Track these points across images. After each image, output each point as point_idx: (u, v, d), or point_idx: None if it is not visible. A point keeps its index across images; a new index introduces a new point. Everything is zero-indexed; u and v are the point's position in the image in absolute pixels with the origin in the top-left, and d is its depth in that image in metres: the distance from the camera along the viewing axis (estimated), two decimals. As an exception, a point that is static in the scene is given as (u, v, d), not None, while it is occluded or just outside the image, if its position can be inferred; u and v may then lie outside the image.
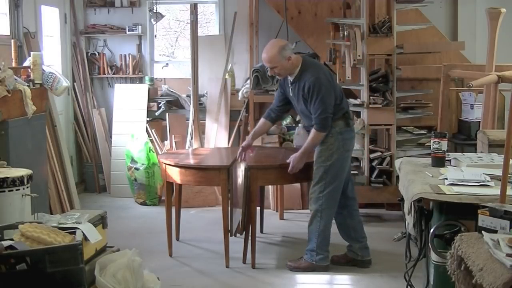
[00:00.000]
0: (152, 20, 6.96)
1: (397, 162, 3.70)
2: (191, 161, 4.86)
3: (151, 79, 6.98)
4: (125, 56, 7.10)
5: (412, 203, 2.85)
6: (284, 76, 4.43)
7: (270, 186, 5.96)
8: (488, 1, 6.17)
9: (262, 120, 4.69)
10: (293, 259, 4.51)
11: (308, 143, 4.34)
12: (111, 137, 6.89)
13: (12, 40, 5.33)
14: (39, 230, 3.02)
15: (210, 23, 8.23)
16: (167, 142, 6.69)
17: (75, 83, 6.95)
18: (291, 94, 4.42)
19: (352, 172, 4.91)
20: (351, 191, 4.53)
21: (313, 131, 4.30)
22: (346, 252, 4.56)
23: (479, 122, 5.39)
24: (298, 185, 6.02)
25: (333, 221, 4.50)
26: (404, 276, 3.22)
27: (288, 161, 4.39)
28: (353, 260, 4.51)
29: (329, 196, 4.32)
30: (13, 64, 5.18)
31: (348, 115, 4.36)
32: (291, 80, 4.37)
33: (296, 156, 4.36)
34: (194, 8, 6.18)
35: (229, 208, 4.50)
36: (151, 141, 6.60)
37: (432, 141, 3.39)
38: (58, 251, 2.90)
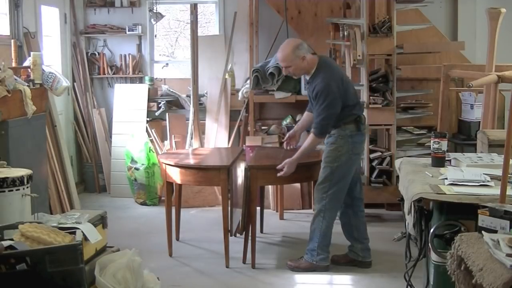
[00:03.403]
0: (152, 20, 6.96)
1: (397, 162, 3.70)
2: (191, 161, 4.86)
3: (151, 79, 6.98)
4: (125, 56, 7.10)
5: (412, 203, 2.85)
6: (300, 76, 4.45)
7: (270, 186, 5.96)
8: (488, 1, 6.17)
9: (306, 112, 4.69)
10: (293, 259, 4.51)
11: (305, 147, 4.35)
12: (111, 137, 6.89)
13: (12, 40, 5.33)
14: (39, 230, 3.02)
15: (210, 23, 8.23)
16: (167, 142, 6.70)
17: (75, 83, 6.95)
18: (307, 93, 4.45)
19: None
20: (358, 192, 4.52)
21: (310, 135, 4.33)
22: (347, 253, 4.56)
23: (479, 122, 5.39)
24: (298, 185, 6.02)
25: (336, 220, 4.50)
26: (404, 276, 3.22)
27: (280, 166, 4.36)
28: (353, 261, 4.51)
29: (333, 197, 4.32)
30: (13, 64, 5.18)
31: (360, 120, 4.34)
32: (307, 80, 4.39)
33: (291, 160, 4.34)
34: (194, 8, 6.18)
35: (229, 208, 4.51)
36: (151, 141, 6.60)
37: (432, 141, 3.39)
38: (58, 251, 2.90)
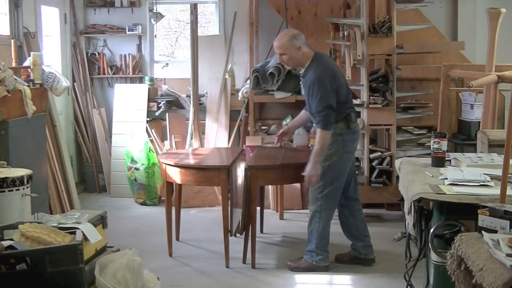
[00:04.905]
0: (152, 20, 6.96)
1: (397, 162, 3.70)
2: (191, 161, 4.85)
3: (151, 79, 6.98)
4: (125, 56, 7.10)
5: (412, 203, 2.85)
6: (294, 67, 4.42)
7: (270, 186, 5.96)
8: (488, 1, 6.17)
9: (303, 111, 4.67)
10: (293, 259, 4.51)
11: (317, 145, 4.20)
12: (111, 137, 6.89)
13: (12, 40, 5.33)
14: (39, 230, 3.02)
15: (210, 23, 8.23)
16: (167, 142, 6.70)
17: (75, 83, 6.95)
18: (302, 87, 4.42)
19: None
20: (353, 191, 4.51)
21: (318, 131, 4.20)
22: (349, 250, 4.57)
23: (479, 122, 5.39)
24: (298, 185, 6.01)
25: (336, 220, 4.50)
26: (404, 276, 3.22)
27: (304, 173, 4.23)
28: (356, 258, 4.52)
29: (328, 197, 4.31)
30: (13, 64, 5.18)
31: (350, 118, 4.31)
32: (301, 74, 4.38)
33: (309, 166, 4.21)
34: (194, 8, 6.18)
35: (229, 208, 4.50)
36: (151, 141, 6.60)
37: (432, 141, 3.39)
38: (58, 251, 2.90)
